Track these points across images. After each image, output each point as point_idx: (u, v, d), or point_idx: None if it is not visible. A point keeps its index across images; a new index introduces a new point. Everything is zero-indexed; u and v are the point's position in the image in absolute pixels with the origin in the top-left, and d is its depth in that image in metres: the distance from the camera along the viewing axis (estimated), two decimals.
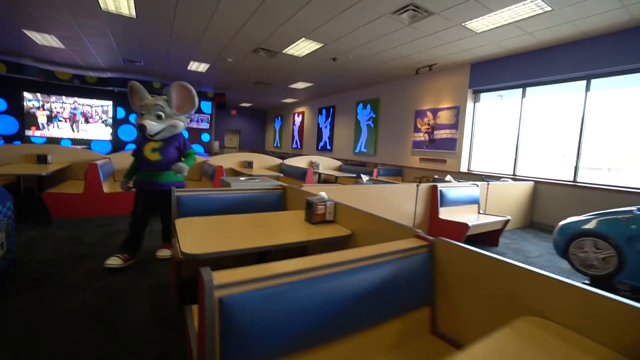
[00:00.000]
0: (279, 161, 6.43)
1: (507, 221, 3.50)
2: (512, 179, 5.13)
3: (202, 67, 7.52)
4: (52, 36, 5.79)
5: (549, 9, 3.68)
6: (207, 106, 11.04)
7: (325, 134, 10.88)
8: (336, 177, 6.25)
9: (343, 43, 5.37)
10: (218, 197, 2.11)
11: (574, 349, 0.77)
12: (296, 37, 5.19)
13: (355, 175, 6.01)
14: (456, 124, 6.15)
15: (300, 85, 9.07)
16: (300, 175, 5.48)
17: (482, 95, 6.01)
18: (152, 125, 2.38)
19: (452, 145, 6.24)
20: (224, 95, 11.13)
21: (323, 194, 1.80)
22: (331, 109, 10.50)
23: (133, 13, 4.56)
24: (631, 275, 2.41)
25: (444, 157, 6.41)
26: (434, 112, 6.62)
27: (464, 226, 3.14)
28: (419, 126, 6.99)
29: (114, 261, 2.42)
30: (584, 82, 4.52)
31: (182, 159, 2.62)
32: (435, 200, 3.49)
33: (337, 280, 0.96)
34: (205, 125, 11.09)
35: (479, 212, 3.82)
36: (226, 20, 4.66)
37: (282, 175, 5.36)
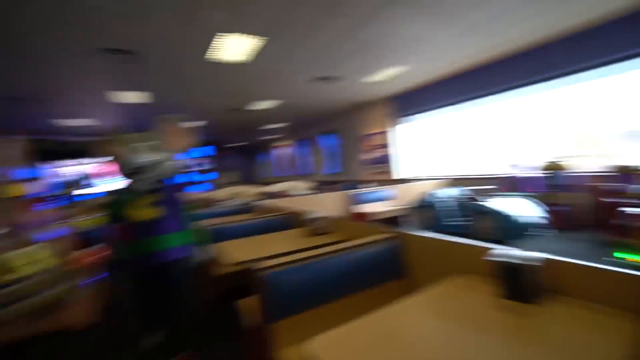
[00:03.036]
0: (261, 189, 7.97)
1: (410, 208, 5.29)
2: (433, 179, 6.84)
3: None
4: None
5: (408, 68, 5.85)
6: (209, 149, 13.47)
7: (303, 161, 13.21)
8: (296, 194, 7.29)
9: (290, 102, 7.85)
10: (238, 225, 2.93)
11: (477, 284, 1.30)
12: (257, 99, 7.43)
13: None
14: (386, 144, 8.44)
15: (274, 125, 11.47)
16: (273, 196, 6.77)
17: (406, 118, 8.08)
18: (146, 154, 1.81)
19: (385, 160, 8.54)
20: (219, 139, 13.72)
21: (317, 213, 2.51)
22: (306, 141, 12.74)
23: None
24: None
25: (382, 170, 8.66)
26: (373, 135, 8.87)
27: (364, 215, 5.12)
28: (365, 148, 9.25)
29: None
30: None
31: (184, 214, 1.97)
32: (347, 200, 5.56)
33: (332, 260, 1.61)
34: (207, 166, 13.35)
35: (393, 205, 5.64)
36: (200, 96, 6.85)
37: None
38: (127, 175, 1.79)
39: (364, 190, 6.14)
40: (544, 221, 4.02)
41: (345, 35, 4.37)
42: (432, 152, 7.82)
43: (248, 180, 16.97)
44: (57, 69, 4.78)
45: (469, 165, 6.97)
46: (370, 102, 8.73)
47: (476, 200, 4.62)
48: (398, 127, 8.44)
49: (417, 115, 7.99)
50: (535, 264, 1.15)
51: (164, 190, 1.87)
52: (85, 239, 3.45)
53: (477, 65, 6.21)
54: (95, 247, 2.99)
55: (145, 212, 1.78)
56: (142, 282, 1.83)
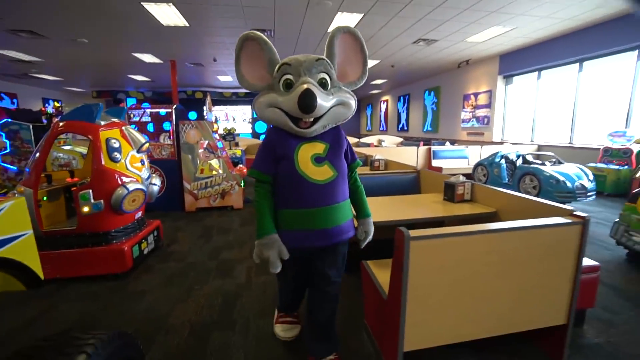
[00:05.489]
0: (357, 140, 9.19)
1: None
2: (519, 144, 7.05)
3: None
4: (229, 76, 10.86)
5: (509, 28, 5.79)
6: None
7: (403, 117, 13.38)
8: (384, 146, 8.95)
9: (393, 58, 8.32)
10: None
11: (440, 195, 2.24)
12: None
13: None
14: (489, 104, 8.24)
15: (378, 81, 12.13)
16: (366, 146, 8.29)
17: (515, 78, 7.78)
18: (321, 95, 1.19)
19: (487, 121, 8.38)
20: None
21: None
22: (407, 96, 12.92)
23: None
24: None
25: (482, 131, 8.58)
26: (475, 95, 8.75)
27: (439, 169, 6.07)
28: (466, 107, 9.18)
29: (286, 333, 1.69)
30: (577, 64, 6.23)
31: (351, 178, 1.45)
32: (429, 155, 6.62)
33: (375, 179, 2.11)
34: None
35: (468, 164, 6.63)
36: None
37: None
38: (291, 118, 1.22)
39: (442, 147, 6.87)
40: (586, 188, 4.23)
41: (443, 5, 4.85)
42: (533, 116, 7.43)
43: (350, 131, 18.27)
44: (222, 44, 6.96)
45: (568, 132, 6.59)
46: (477, 60, 8.50)
47: (528, 163, 4.89)
48: (504, 87, 8.11)
49: (524, 76, 7.54)
50: (456, 184, 2.14)
51: (336, 141, 1.32)
52: (235, 160, 5.73)
53: (587, 24, 5.58)
54: (241, 166, 4.92)
55: (317, 170, 1.25)
56: (293, 264, 1.38)
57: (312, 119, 1.21)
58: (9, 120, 4.85)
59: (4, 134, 4.80)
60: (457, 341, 1.37)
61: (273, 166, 1.29)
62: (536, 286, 1.40)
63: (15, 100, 11.97)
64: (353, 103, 1.30)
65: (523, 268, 1.36)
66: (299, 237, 1.28)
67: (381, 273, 1.63)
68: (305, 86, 1.15)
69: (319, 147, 1.28)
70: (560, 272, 1.42)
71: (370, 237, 1.43)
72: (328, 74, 1.25)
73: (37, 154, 2.33)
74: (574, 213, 1.42)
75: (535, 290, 1.41)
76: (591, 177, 4.37)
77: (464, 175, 2.30)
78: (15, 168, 4.79)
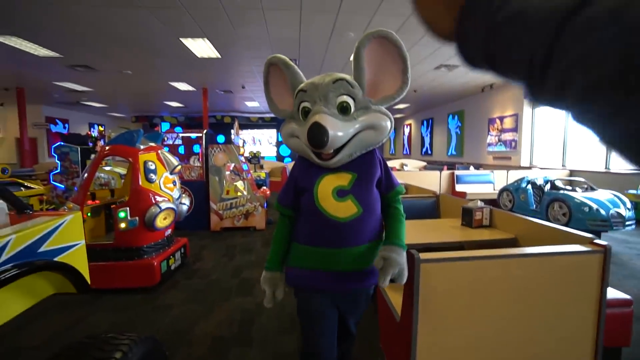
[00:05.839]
0: None
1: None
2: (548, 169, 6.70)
3: None
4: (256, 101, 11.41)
5: None
6: None
7: (427, 141, 13.37)
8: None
9: (415, 84, 8.29)
10: None
11: (458, 220, 2.29)
12: None
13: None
14: (516, 127, 8.02)
15: (401, 105, 12.21)
16: None
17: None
18: (336, 126, 1.02)
19: (514, 144, 8.15)
20: None
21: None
22: (430, 120, 12.91)
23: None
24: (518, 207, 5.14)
25: (509, 155, 8.38)
26: (501, 119, 8.59)
27: (463, 193, 5.93)
28: (491, 131, 9.06)
29: None
30: None
31: (390, 211, 1.22)
32: (453, 179, 6.45)
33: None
34: None
35: (493, 189, 6.36)
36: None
37: None
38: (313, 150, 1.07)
39: (466, 172, 6.74)
40: (623, 216, 3.96)
41: None
42: (563, 140, 7.12)
43: None
44: (250, 73, 7.42)
45: (603, 157, 6.26)
46: (502, 84, 8.38)
47: (556, 189, 4.67)
48: (530, 111, 7.88)
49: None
50: (474, 209, 2.12)
51: (365, 171, 1.14)
52: (260, 183, 5.94)
53: None
54: (265, 188, 5.09)
55: (338, 205, 1.09)
56: (320, 316, 1.18)
57: (331, 151, 1.05)
58: (62, 143, 5.40)
59: (56, 156, 5.34)
60: None
61: (294, 199, 1.19)
62: (555, 317, 1.36)
63: (66, 125, 13.24)
64: (387, 124, 1.10)
65: (540, 296, 1.34)
66: (308, 276, 1.15)
67: (395, 296, 1.65)
68: (315, 118, 1.01)
69: (344, 179, 1.11)
70: (581, 303, 1.38)
71: (395, 272, 1.05)
72: (351, 95, 1.07)
73: (86, 175, 2.60)
74: (594, 241, 1.39)
75: (554, 321, 1.37)
76: (629, 204, 4.11)
77: (489, 200, 2.29)
78: (63, 186, 5.27)
